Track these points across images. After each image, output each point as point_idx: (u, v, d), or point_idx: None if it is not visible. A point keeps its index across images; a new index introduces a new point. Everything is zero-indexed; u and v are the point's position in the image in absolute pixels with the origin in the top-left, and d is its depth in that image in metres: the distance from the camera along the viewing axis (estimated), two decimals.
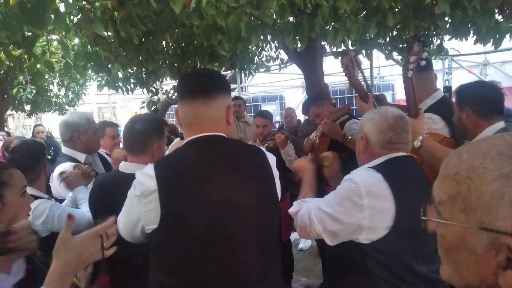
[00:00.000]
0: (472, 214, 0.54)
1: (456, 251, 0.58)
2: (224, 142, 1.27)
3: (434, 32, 3.86)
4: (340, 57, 2.38)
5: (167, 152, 1.77)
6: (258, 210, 1.23)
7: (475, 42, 3.58)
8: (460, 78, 7.99)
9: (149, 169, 1.19)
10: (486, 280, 0.55)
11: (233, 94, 7.44)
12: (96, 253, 1.07)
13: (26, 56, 2.72)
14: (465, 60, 8.84)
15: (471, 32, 3.65)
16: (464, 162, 0.57)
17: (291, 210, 1.61)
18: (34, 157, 1.86)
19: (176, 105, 3.10)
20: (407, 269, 1.36)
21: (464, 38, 3.79)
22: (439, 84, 6.96)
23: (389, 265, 1.36)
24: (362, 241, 1.37)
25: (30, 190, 1.69)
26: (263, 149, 1.39)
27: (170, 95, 2.90)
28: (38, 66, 2.65)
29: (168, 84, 6.79)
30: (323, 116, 2.92)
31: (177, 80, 1.40)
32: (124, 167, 1.73)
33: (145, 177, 1.18)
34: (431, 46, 4.13)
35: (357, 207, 1.35)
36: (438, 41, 4.21)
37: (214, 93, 1.25)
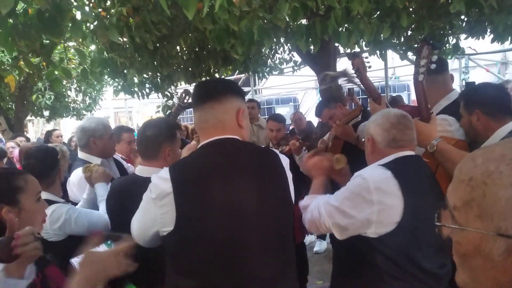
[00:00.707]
0: (488, 220, 0.53)
1: (472, 257, 0.56)
2: (236, 144, 1.28)
3: (449, 31, 3.79)
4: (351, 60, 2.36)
5: (182, 156, 1.78)
6: (272, 212, 1.24)
7: (492, 41, 3.50)
8: (477, 77, 7.81)
9: (165, 172, 1.21)
10: (504, 287, 0.53)
11: (247, 97, 7.44)
12: (117, 270, 1.10)
13: (44, 64, 2.79)
14: (483, 59, 8.63)
15: (488, 30, 3.57)
16: (478, 167, 0.56)
17: (301, 203, 1.64)
18: (49, 162, 1.89)
19: (188, 109, 3.10)
20: (414, 264, 1.38)
21: (481, 37, 3.71)
22: (456, 84, 6.82)
23: (396, 260, 1.38)
24: (370, 235, 1.39)
25: (46, 195, 1.73)
26: (276, 151, 1.39)
27: (181, 99, 2.92)
28: (56, 73, 2.71)
29: (183, 88, 6.86)
30: (336, 118, 2.89)
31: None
32: (140, 171, 1.75)
33: (160, 180, 1.20)
34: (447, 45, 4.05)
35: (366, 202, 1.37)
36: (454, 40, 4.12)
37: (221, 96, 1.28)
